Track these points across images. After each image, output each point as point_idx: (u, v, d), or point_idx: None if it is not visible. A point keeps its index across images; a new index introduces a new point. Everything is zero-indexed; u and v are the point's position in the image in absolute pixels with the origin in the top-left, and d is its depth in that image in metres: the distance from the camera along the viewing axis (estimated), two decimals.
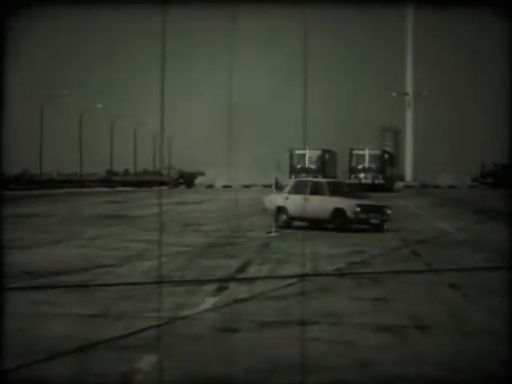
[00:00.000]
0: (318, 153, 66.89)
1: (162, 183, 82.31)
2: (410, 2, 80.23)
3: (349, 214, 21.68)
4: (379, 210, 22.39)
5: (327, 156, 68.28)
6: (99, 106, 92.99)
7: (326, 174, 66.02)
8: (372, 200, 23.78)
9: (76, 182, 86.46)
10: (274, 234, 20.33)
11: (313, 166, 65.69)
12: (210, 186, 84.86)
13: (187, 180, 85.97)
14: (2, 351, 7.35)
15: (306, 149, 66.95)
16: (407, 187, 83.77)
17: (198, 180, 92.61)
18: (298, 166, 65.10)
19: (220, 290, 11.25)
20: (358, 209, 21.78)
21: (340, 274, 13.16)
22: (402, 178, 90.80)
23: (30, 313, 9.45)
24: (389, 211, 22.36)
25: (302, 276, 12.65)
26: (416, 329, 8.64)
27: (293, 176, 53.60)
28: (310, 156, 66.38)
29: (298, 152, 66.68)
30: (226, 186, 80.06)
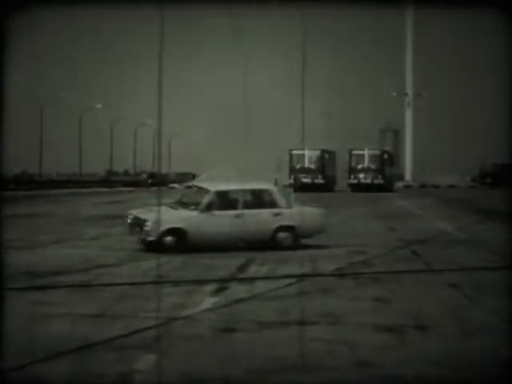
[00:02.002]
0: (318, 153, 67.02)
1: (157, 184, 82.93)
2: (410, 1, 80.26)
3: None
4: None
5: (326, 156, 68.40)
6: (99, 106, 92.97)
7: (325, 174, 66.19)
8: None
9: (76, 183, 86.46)
10: None
11: (312, 166, 65.82)
12: None
13: (158, 181, 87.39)
14: (2, 351, 7.33)
15: (305, 149, 67.14)
16: (407, 187, 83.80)
17: (198, 180, 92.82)
18: (298, 167, 65.23)
19: (220, 290, 11.23)
20: None
21: (340, 274, 13.13)
22: (401, 178, 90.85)
23: (29, 313, 9.43)
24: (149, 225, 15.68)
25: (302, 276, 12.63)
26: (416, 328, 8.63)
27: (292, 176, 53.69)
28: (310, 156, 66.50)
29: (297, 152, 66.81)
30: None
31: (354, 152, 67.61)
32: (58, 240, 19.04)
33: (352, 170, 66.77)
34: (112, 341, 7.90)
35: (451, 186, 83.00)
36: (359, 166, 66.41)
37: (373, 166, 66.06)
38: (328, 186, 66.36)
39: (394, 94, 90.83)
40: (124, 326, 8.64)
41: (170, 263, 14.29)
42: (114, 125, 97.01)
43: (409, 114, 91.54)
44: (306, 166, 65.80)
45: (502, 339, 8.06)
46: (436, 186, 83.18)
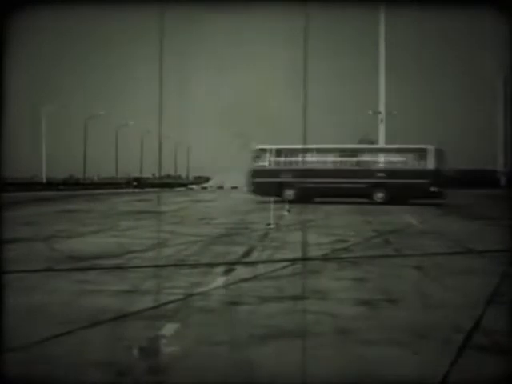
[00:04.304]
0: None
1: (181, 185, 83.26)
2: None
3: None
4: None
5: None
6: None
7: None
8: None
9: (113, 184, 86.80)
10: (272, 226, 20.35)
11: None
12: (221, 187, 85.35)
13: (139, 183, 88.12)
14: (54, 321, 7.36)
15: None
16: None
17: (210, 182, 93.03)
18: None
19: (228, 271, 11.24)
20: None
21: (326, 258, 13.15)
22: None
23: (73, 290, 9.46)
24: None
25: (295, 260, 12.64)
26: (387, 302, 8.64)
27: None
28: None
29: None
30: (234, 187, 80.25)
31: None
32: (97, 231, 19.05)
33: None
34: (141, 312, 7.94)
35: None
36: None
37: None
38: None
39: (370, 112, 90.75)
40: (151, 300, 8.66)
41: (188, 250, 14.29)
42: (142, 133, 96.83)
43: (382, 129, 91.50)
44: None
45: (457, 310, 8.08)
46: None
